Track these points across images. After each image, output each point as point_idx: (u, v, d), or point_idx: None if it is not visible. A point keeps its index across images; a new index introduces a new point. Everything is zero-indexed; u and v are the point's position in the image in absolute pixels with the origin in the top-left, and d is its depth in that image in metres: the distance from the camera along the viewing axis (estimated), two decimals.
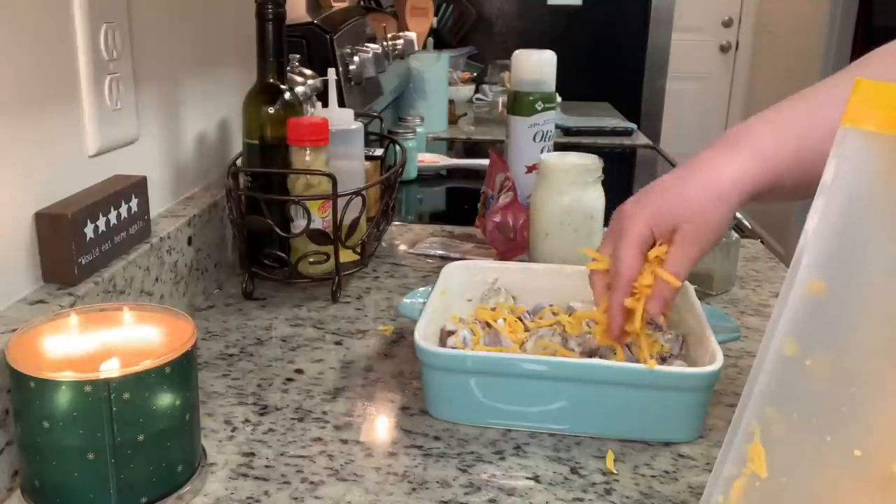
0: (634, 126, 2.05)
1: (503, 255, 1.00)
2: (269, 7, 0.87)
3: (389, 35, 1.67)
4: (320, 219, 0.88)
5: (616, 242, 0.64)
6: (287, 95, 0.90)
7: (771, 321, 0.40)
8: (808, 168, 0.59)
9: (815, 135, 0.59)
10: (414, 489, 0.58)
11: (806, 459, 0.41)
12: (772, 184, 0.60)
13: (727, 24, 4.40)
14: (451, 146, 1.91)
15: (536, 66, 1.04)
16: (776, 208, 4.11)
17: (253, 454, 0.62)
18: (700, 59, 4.40)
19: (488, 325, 0.75)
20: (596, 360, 0.66)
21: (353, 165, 0.97)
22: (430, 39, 2.22)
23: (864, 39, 3.71)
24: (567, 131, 1.94)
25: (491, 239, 1.00)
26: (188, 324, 0.57)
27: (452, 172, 1.59)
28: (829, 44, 3.68)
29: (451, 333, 0.72)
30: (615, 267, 0.63)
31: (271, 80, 0.89)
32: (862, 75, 0.60)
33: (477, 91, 2.35)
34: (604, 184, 0.92)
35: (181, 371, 0.53)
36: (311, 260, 0.89)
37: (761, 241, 1.17)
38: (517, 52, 1.05)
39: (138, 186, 0.75)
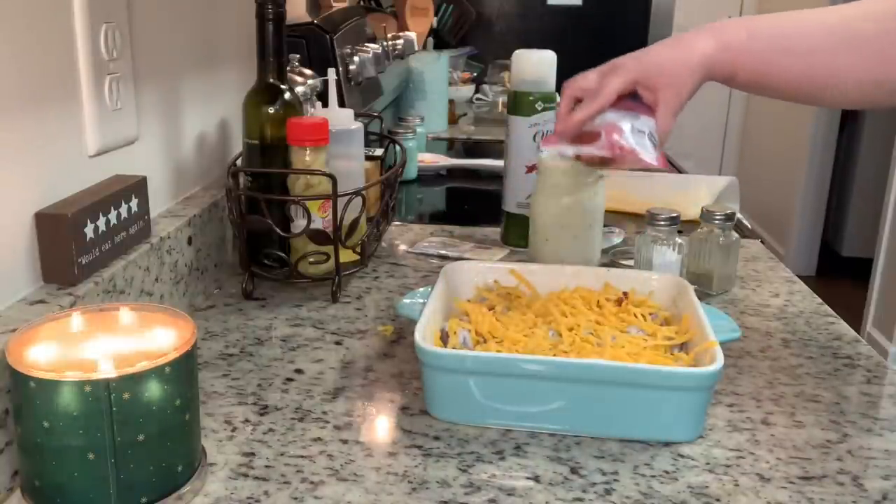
0: None
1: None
2: (269, 7, 0.87)
3: (389, 35, 1.67)
4: (320, 219, 0.88)
5: (607, 77, 0.79)
6: (287, 95, 0.90)
7: None
8: (761, 70, 0.75)
9: (782, 46, 0.75)
10: (414, 489, 0.58)
11: None
12: (728, 73, 0.76)
13: None
14: (451, 146, 1.91)
15: (536, 66, 1.04)
16: (776, 208, 4.11)
17: (253, 454, 0.62)
18: None
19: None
20: (596, 360, 0.66)
21: (353, 165, 0.97)
22: (430, 39, 2.21)
23: None
24: None
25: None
26: (188, 324, 0.57)
27: (452, 172, 1.59)
28: None
29: (450, 334, 0.72)
30: (598, 91, 0.78)
31: (271, 80, 0.89)
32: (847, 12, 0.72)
33: (477, 91, 2.34)
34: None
35: (181, 371, 0.53)
36: (311, 260, 0.89)
37: (761, 241, 1.17)
38: (517, 52, 1.05)
39: (138, 186, 0.75)
